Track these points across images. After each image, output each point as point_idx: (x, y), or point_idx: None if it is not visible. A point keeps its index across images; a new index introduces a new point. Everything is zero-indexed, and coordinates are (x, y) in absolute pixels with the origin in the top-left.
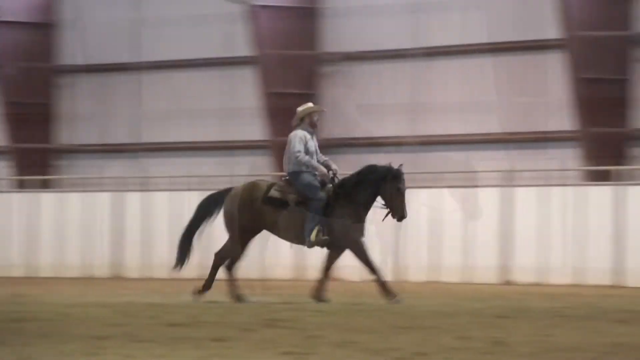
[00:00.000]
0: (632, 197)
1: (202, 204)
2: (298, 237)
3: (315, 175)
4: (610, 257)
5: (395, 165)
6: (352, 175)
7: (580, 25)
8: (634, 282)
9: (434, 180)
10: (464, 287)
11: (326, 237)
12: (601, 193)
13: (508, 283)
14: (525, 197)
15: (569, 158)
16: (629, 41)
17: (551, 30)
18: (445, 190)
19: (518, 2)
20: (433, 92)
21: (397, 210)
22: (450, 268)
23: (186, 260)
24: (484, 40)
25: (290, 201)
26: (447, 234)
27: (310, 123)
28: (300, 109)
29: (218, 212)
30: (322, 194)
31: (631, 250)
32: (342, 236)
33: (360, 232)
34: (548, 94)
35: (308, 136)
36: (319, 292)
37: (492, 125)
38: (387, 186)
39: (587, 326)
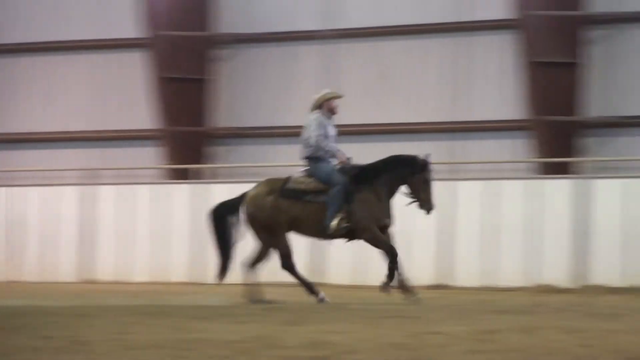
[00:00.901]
0: (212, 195)
1: (215, 213)
2: (318, 229)
3: (331, 161)
4: (188, 254)
5: (422, 155)
6: (375, 163)
7: (164, 25)
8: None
9: (13, 179)
10: (44, 287)
11: (347, 225)
12: (180, 191)
13: (90, 282)
14: (107, 195)
15: (154, 156)
16: (208, 41)
17: (133, 30)
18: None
19: (99, 0)
20: (17, 89)
21: (426, 202)
22: (31, 266)
23: (228, 268)
24: (56, 38)
25: (310, 191)
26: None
27: (329, 109)
28: (316, 95)
29: (236, 219)
30: (343, 179)
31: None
32: (359, 225)
33: (377, 220)
34: (132, 93)
35: (327, 121)
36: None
37: (79, 124)
38: (415, 177)
39: (166, 323)
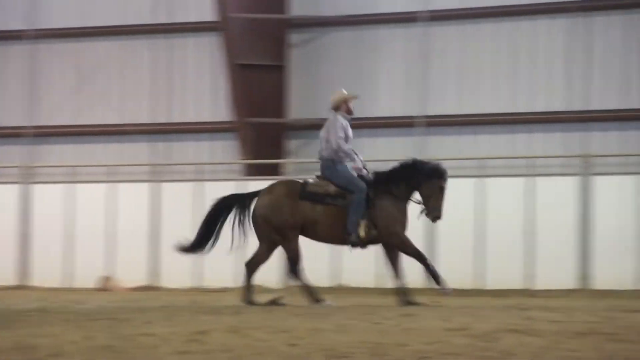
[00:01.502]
0: None
1: (222, 201)
2: (335, 234)
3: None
4: None
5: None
6: (394, 169)
7: None
8: None
9: None
10: None
11: (376, 231)
12: None
13: None
14: None
15: None
16: None
17: None
18: None
19: None
20: None
21: (435, 210)
22: None
23: (208, 244)
24: None
25: (328, 194)
26: None
27: (347, 110)
28: (334, 96)
29: (237, 213)
30: (363, 184)
31: None
32: (386, 230)
33: (403, 225)
34: None
35: (346, 123)
36: (403, 296)
37: None
38: (430, 184)
39: None
